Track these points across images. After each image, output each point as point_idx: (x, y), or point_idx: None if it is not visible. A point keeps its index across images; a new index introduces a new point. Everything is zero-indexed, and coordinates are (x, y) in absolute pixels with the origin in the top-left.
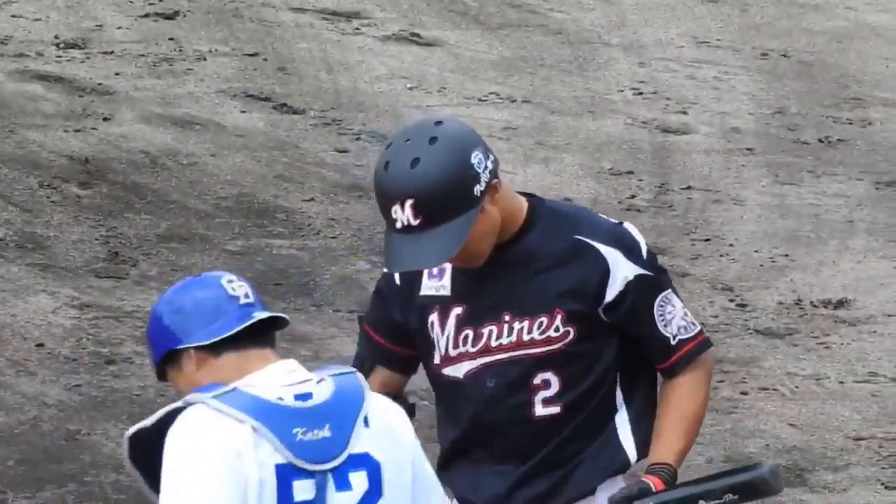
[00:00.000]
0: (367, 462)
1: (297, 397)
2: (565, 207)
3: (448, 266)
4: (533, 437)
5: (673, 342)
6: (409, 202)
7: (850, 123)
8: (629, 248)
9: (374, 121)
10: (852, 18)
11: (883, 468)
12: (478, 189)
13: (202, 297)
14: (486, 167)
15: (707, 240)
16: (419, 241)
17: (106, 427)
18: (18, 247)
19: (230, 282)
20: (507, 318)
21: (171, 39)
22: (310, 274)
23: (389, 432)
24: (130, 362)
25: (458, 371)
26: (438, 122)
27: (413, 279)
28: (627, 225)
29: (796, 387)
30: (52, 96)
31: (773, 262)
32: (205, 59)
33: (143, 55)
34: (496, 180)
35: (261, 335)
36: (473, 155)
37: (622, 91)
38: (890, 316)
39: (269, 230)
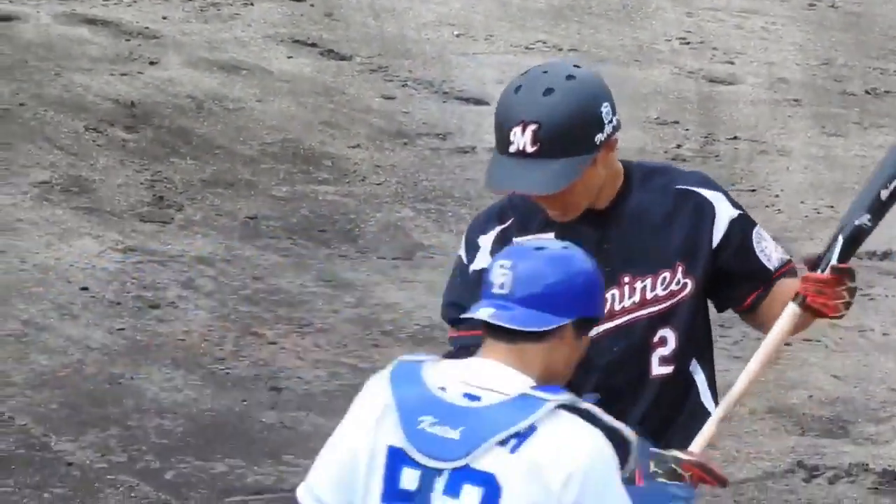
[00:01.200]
0: (488, 482)
1: (466, 396)
2: (652, 164)
3: (533, 223)
4: (646, 400)
5: (774, 270)
6: (532, 126)
7: None
8: (722, 191)
9: (420, 68)
10: None
11: None
12: (599, 137)
13: None
14: (611, 121)
15: (753, 190)
16: (529, 167)
17: (149, 371)
18: (63, 190)
19: None
20: (626, 279)
21: None
22: (354, 221)
23: (535, 469)
24: (175, 306)
25: None
26: (577, 66)
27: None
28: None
29: (840, 338)
30: (98, 40)
31: (819, 213)
32: (252, 4)
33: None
34: (616, 139)
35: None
36: (604, 105)
37: (669, 41)
38: None
39: (314, 176)
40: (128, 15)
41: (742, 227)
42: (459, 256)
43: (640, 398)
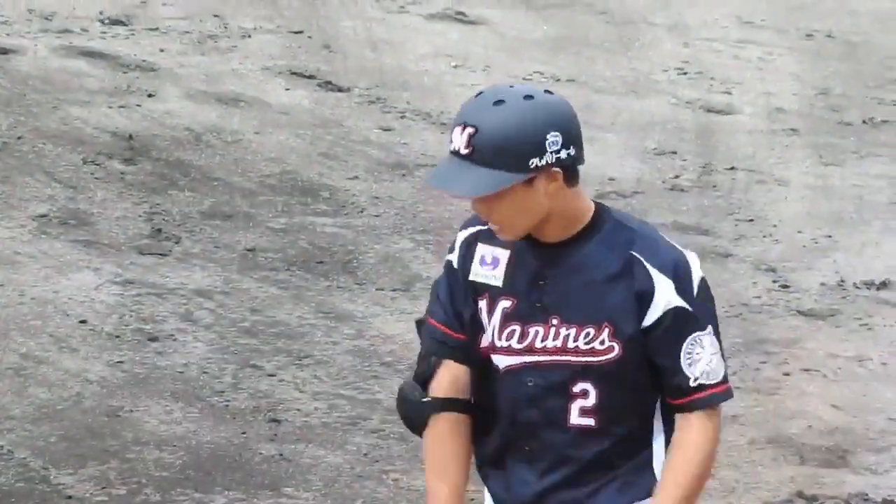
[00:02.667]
0: None
1: None
2: (632, 222)
3: (504, 258)
4: (565, 446)
5: (692, 383)
6: (469, 129)
7: (895, 104)
8: (680, 279)
9: (418, 99)
10: None
11: None
12: (534, 161)
13: None
14: (556, 151)
15: (750, 220)
16: (460, 168)
17: (148, 404)
18: (62, 223)
19: None
20: (554, 321)
21: (215, 16)
22: (353, 252)
23: None
24: (173, 339)
25: (499, 362)
26: (548, 92)
27: (467, 263)
28: (690, 255)
29: (839, 368)
30: (96, 73)
31: (817, 243)
32: (250, 37)
33: (187, 32)
34: (558, 171)
35: None
36: (552, 133)
37: (667, 71)
38: None
39: (312, 208)
40: (125, 48)
41: (678, 320)
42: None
43: (556, 441)
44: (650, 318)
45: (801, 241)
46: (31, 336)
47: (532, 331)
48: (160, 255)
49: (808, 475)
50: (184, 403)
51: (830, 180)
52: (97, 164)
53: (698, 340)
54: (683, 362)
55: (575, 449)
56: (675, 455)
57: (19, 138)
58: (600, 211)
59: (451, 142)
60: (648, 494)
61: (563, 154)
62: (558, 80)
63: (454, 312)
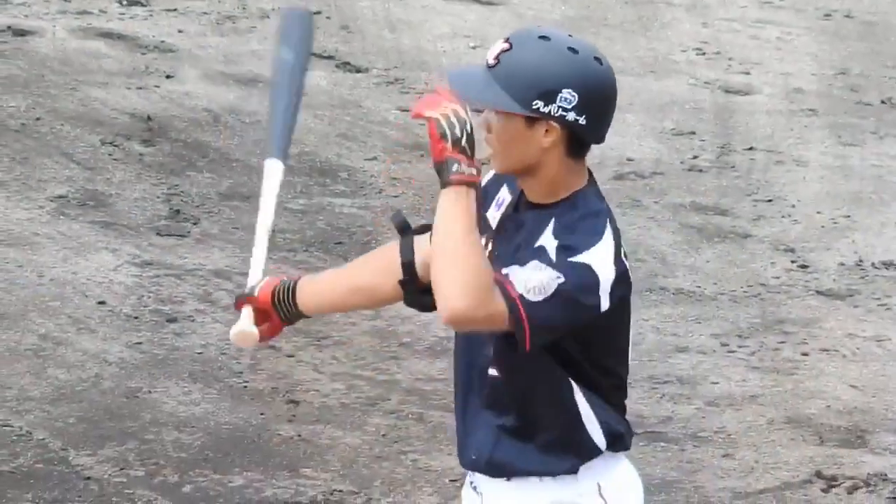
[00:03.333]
0: None
1: None
2: (589, 206)
3: (507, 199)
4: (487, 400)
5: (504, 270)
6: (504, 45)
7: None
8: (565, 241)
9: (436, 80)
10: None
11: None
12: (538, 104)
13: None
14: (566, 109)
15: (769, 201)
16: (479, 76)
17: (167, 385)
18: (80, 204)
19: None
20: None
21: None
22: (371, 233)
23: None
24: (192, 320)
25: None
26: (597, 58)
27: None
28: (594, 257)
29: (857, 348)
30: (114, 54)
31: (835, 223)
32: (268, 17)
33: (206, 13)
34: (556, 128)
35: None
36: (570, 90)
37: (685, 51)
38: None
39: (331, 189)
40: (144, 29)
41: (539, 250)
42: None
43: (484, 395)
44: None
45: (819, 222)
46: (49, 317)
47: None
48: (179, 236)
49: (827, 455)
50: (202, 384)
51: (849, 160)
52: (115, 146)
53: (539, 266)
54: (515, 262)
55: (496, 401)
56: None
57: (38, 119)
58: (583, 190)
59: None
60: (588, 454)
61: (571, 116)
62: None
63: None
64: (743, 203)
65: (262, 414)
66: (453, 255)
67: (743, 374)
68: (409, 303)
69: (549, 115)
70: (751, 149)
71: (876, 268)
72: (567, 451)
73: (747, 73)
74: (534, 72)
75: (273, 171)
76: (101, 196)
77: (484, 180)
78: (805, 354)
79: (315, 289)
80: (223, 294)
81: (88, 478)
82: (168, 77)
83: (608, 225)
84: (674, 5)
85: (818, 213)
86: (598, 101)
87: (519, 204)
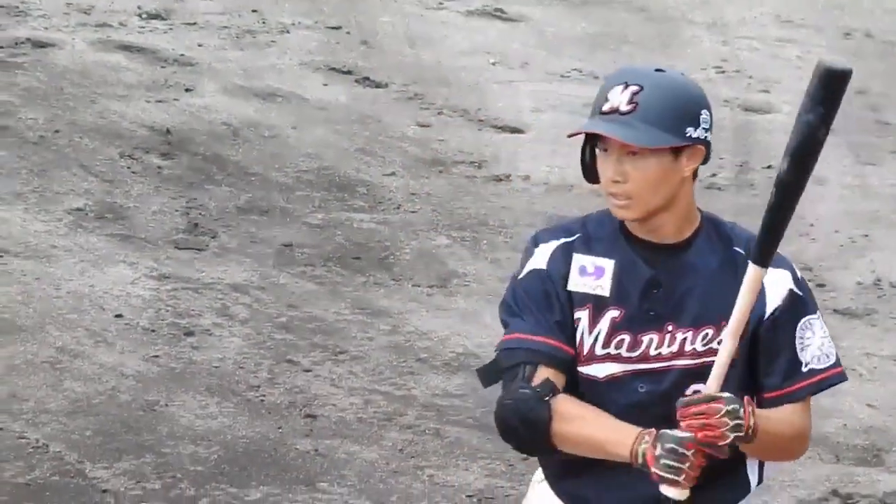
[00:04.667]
0: None
1: None
2: (723, 221)
3: (609, 268)
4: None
5: (804, 368)
6: (633, 87)
7: None
8: (788, 266)
9: (456, 96)
10: None
11: None
12: (690, 130)
13: None
14: (707, 129)
15: None
16: (618, 122)
17: (184, 399)
18: (98, 217)
19: None
20: (670, 327)
21: (254, 11)
22: (389, 248)
23: None
24: (209, 334)
25: (597, 371)
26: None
27: (563, 272)
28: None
29: (874, 367)
30: (134, 67)
31: (854, 242)
32: (288, 32)
33: (226, 27)
34: (702, 149)
35: None
36: (705, 111)
37: (705, 69)
38: None
39: (349, 203)
40: (163, 42)
41: (793, 305)
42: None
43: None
44: (770, 307)
45: (837, 241)
46: (66, 330)
47: (646, 339)
48: (197, 249)
49: (844, 474)
50: (219, 398)
51: (868, 180)
52: (134, 159)
53: (810, 324)
54: (797, 347)
55: None
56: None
57: (56, 132)
58: (702, 214)
59: (607, 101)
60: (742, 494)
61: (708, 136)
62: (596, 77)
63: (555, 322)
64: (761, 221)
65: (279, 428)
66: (787, 452)
67: None
68: None
69: (697, 140)
70: (769, 167)
71: (894, 287)
72: (728, 495)
73: (767, 92)
74: (677, 102)
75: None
76: (119, 209)
77: (544, 264)
78: None
79: None
80: (241, 308)
81: (105, 490)
82: (187, 90)
83: None
84: (694, 23)
85: (836, 232)
86: (712, 117)
87: (643, 253)
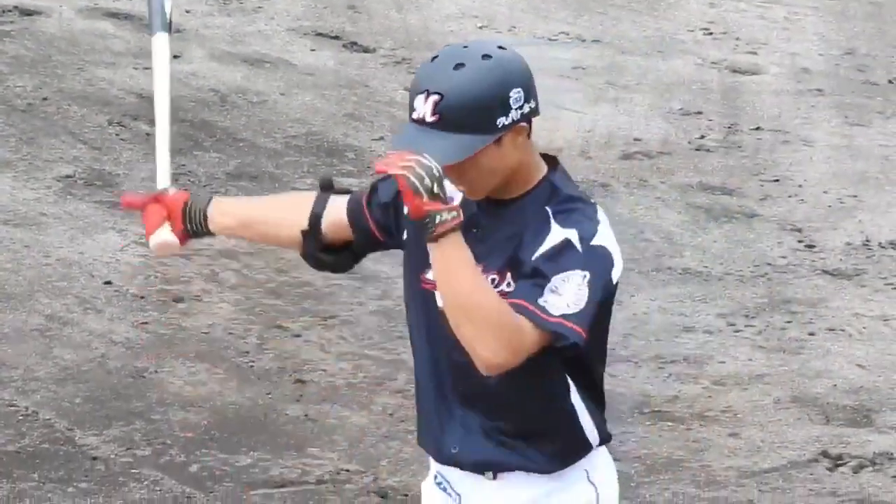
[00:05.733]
0: None
1: None
2: (569, 188)
3: (458, 198)
4: (480, 395)
5: (541, 300)
6: (434, 97)
7: None
8: (585, 229)
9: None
10: None
11: None
12: (502, 121)
13: None
14: (520, 107)
15: (776, 180)
16: (428, 135)
17: (174, 365)
18: (87, 184)
19: None
20: (480, 267)
21: None
22: None
23: None
24: (199, 300)
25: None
26: (501, 48)
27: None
28: (602, 240)
29: (864, 327)
30: (121, 34)
31: (842, 203)
32: None
33: None
34: (524, 125)
35: None
36: (515, 90)
37: (692, 31)
38: None
39: (338, 168)
40: None
41: (564, 253)
42: None
43: (475, 390)
44: (542, 248)
45: (826, 201)
46: (56, 297)
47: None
48: None
49: (833, 435)
50: (209, 364)
51: (856, 140)
52: (122, 126)
53: (569, 278)
54: (547, 286)
55: (489, 398)
56: None
57: (45, 100)
58: (548, 174)
59: (414, 109)
60: (582, 450)
61: (526, 108)
62: (584, 40)
63: (382, 212)
64: (750, 183)
65: (268, 394)
66: (470, 310)
67: (749, 353)
68: (304, 255)
69: (513, 123)
70: (758, 129)
71: (882, 247)
72: (561, 451)
73: (754, 53)
74: (479, 100)
75: (161, 46)
76: (108, 176)
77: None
78: (811, 334)
79: (226, 209)
80: (230, 274)
81: (95, 457)
82: (175, 57)
83: (594, 202)
84: None
85: (825, 192)
86: (531, 80)
87: (483, 205)
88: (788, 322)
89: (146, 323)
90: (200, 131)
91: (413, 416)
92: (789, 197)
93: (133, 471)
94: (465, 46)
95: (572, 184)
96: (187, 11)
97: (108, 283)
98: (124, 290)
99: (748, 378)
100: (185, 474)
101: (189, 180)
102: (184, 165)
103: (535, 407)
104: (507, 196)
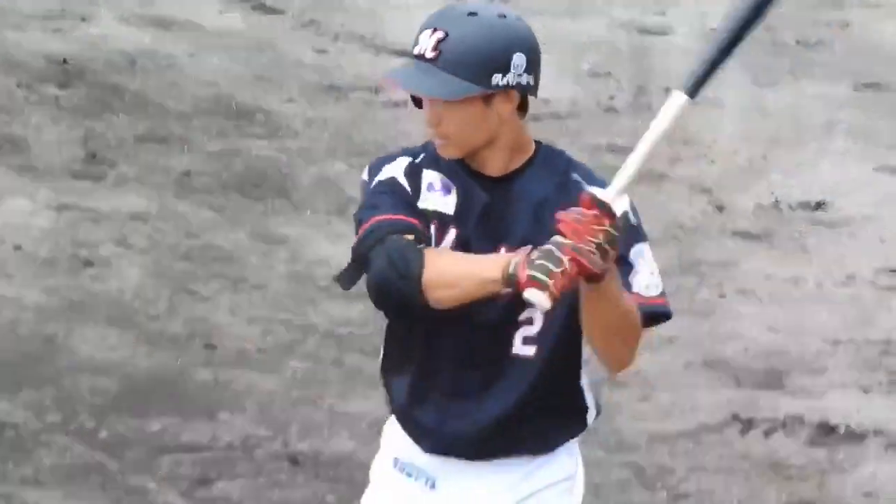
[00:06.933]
0: None
1: None
2: (564, 153)
3: (454, 189)
4: (504, 378)
5: (633, 290)
6: (439, 34)
7: (829, 25)
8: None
9: (352, 22)
10: None
11: (860, 371)
12: (497, 78)
13: None
14: (519, 73)
15: (685, 142)
16: (423, 70)
17: (84, 330)
18: None
19: None
20: (503, 249)
21: None
22: (288, 176)
23: None
24: (109, 264)
25: None
26: (518, 18)
27: (413, 187)
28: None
29: (774, 290)
30: None
31: (752, 164)
32: None
33: None
34: (516, 93)
35: None
36: (518, 54)
37: None
38: (868, 218)
39: (247, 131)
40: None
41: (628, 230)
42: (364, 181)
43: (495, 372)
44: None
45: (736, 163)
46: None
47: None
48: (95, 179)
49: (744, 397)
50: (119, 329)
51: (765, 102)
52: (31, 89)
53: (641, 252)
54: (627, 269)
55: (514, 381)
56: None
57: None
58: (539, 145)
59: (417, 44)
60: (582, 428)
61: (524, 79)
62: (492, 1)
63: (412, 208)
64: (659, 144)
65: (178, 359)
66: (625, 332)
67: None
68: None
69: (507, 86)
70: (667, 90)
71: (793, 209)
72: (567, 427)
73: (663, 14)
74: (483, 48)
75: (673, 102)
76: (17, 139)
77: (398, 174)
78: (722, 296)
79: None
80: (140, 238)
81: (4, 423)
82: (83, 20)
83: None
84: None
85: (735, 153)
86: (537, 56)
87: (478, 181)
88: (699, 284)
89: (56, 288)
90: (110, 94)
91: (322, 380)
92: (699, 158)
93: (43, 437)
94: (485, 4)
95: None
96: None
97: (18, 247)
98: (34, 255)
99: (658, 341)
100: (96, 440)
101: (99, 144)
102: (93, 129)
103: (562, 383)
104: (501, 171)
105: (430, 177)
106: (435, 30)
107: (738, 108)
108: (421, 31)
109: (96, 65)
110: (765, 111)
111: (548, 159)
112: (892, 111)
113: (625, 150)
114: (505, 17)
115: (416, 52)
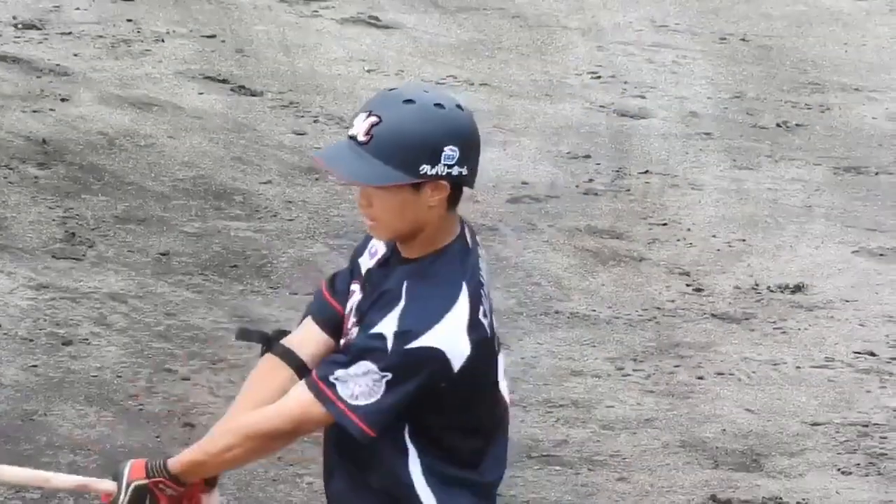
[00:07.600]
0: None
1: None
2: (445, 272)
3: (378, 255)
4: (331, 456)
5: (332, 378)
6: (373, 118)
7: (809, 108)
8: (403, 315)
9: (331, 103)
10: (811, 3)
11: (839, 453)
12: (425, 168)
13: None
14: (449, 165)
15: (664, 224)
16: (353, 153)
17: (63, 408)
18: None
19: None
20: (353, 319)
21: (129, 21)
22: (267, 256)
23: None
24: (87, 343)
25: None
26: (458, 106)
27: (361, 247)
28: (440, 336)
29: (753, 372)
30: (9, 77)
31: (731, 246)
32: (163, 41)
33: (101, 36)
34: (445, 185)
35: None
36: (451, 146)
37: (580, 75)
38: (847, 301)
39: (226, 212)
40: (39, 52)
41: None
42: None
43: (334, 452)
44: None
45: (715, 245)
46: None
47: (349, 322)
48: (74, 259)
49: (722, 479)
50: (98, 407)
51: (744, 184)
52: (10, 169)
53: (369, 354)
54: (341, 357)
55: (336, 464)
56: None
57: None
58: (450, 245)
59: (352, 126)
60: None
61: (456, 171)
62: (472, 83)
63: (339, 277)
64: (638, 227)
65: (157, 437)
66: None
67: (638, 397)
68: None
69: (436, 176)
70: (646, 172)
71: (771, 291)
72: None
73: (643, 97)
74: (413, 138)
75: None
76: None
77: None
78: (700, 378)
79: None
80: (118, 317)
81: None
82: (63, 100)
83: (463, 289)
84: (569, 29)
85: (713, 236)
86: (474, 148)
87: (391, 258)
88: (677, 366)
89: (35, 366)
90: (89, 174)
91: (301, 459)
92: (678, 241)
93: None
94: (426, 90)
95: (458, 263)
96: (75, 55)
97: None
98: (13, 333)
99: (637, 422)
100: None
101: (77, 223)
102: (72, 209)
103: (372, 468)
104: (413, 255)
105: (375, 245)
106: (370, 114)
107: (717, 190)
108: (358, 114)
109: (75, 145)
110: (744, 194)
111: (449, 260)
112: (870, 194)
113: (603, 232)
114: (443, 106)
115: (350, 133)
